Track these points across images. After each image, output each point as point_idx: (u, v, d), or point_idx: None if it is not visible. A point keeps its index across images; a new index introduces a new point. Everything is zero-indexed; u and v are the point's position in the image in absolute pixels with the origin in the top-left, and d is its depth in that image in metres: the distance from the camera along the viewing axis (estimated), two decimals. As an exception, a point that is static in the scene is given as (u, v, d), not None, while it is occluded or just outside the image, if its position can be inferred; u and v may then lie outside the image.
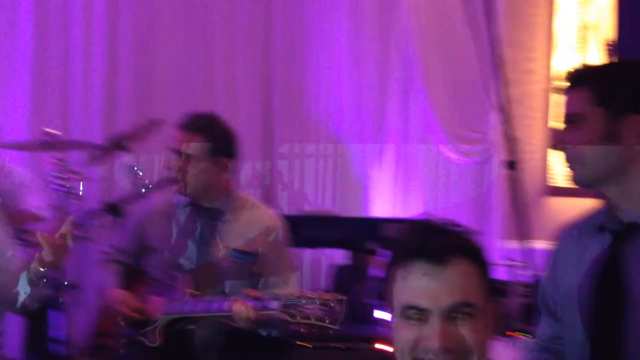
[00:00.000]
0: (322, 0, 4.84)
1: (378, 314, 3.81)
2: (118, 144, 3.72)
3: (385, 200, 4.80)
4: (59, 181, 3.80)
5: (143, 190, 2.97)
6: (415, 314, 1.26)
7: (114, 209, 2.89)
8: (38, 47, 4.58)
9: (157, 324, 2.45)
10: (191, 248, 2.58)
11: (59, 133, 3.90)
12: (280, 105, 4.82)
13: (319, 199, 4.72)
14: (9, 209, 3.67)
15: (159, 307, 2.47)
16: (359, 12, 4.78)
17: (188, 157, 2.54)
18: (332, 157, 4.84)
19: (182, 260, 2.56)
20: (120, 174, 3.71)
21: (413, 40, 4.68)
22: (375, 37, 4.77)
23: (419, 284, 1.26)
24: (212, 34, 4.78)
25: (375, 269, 3.99)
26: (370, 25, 4.77)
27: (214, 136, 2.57)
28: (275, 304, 2.23)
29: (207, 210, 2.60)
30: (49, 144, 3.89)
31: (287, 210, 4.40)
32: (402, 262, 1.29)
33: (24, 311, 2.10)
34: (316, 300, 2.16)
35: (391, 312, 1.30)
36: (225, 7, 4.80)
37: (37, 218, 3.90)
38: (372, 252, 4.00)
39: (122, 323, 2.53)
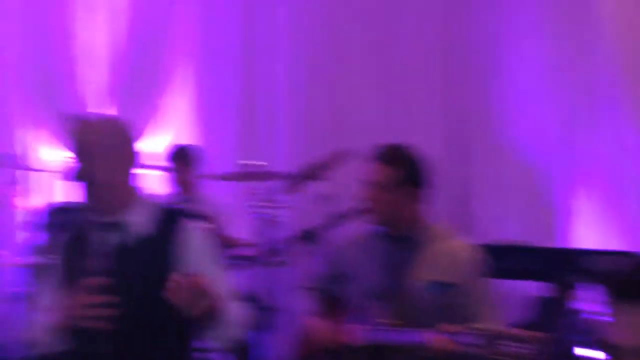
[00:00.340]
0: (519, 24, 4.69)
1: (579, 350, 3.55)
2: (312, 173, 3.82)
3: (585, 230, 4.50)
4: (258, 210, 3.98)
5: (337, 218, 3.01)
6: (632, 352, 1.15)
7: (310, 237, 2.95)
8: (244, 81, 4.87)
9: (353, 351, 2.45)
10: (386, 278, 2.55)
11: (259, 164, 4.10)
12: (475, 131, 4.71)
13: (515, 228, 4.53)
14: (217, 235, 3.90)
15: (356, 335, 2.46)
16: (557, 35, 4.56)
17: (379, 188, 2.53)
18: (528, 184, 4.63)
19: (376, 290, 2.54)
20: (315, 203, 3.80)
21: (615, 64, 4.39)
22: (574, 61, 4.53)
23: (638, 322, 1.16)
24: (404, 64, 4.80)
25: (577, 303, 3.73)
26: (570, 48, 4.54)
27: (406, 166, 2.54)
28: (473, 339, 2.13)
29: (401, 241, 2.56)
30: (249, 175, 4.09)
31: (482, 240, 4.27)
32: (616, 297, 1.21)
33: (226, 347, 2.15)
34: (519, 337, 2.04)
35: (603, 349, 1.20)
36: (416, 36, 4.80)
37: (240, 244, 4.10)
38: (572, 285, 3.75)
39: (319, 351, 2.56)
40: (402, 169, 2.52)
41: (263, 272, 3.91)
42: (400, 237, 2.56)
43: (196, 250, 2.13)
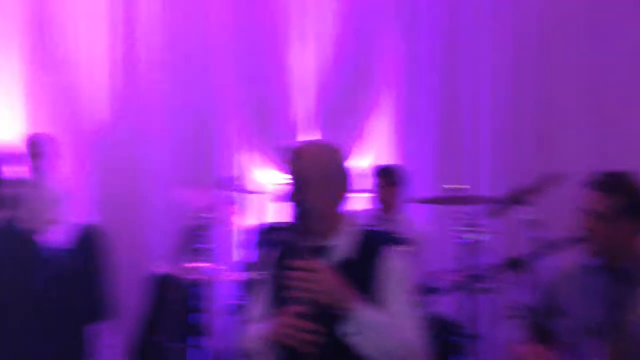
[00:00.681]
0: None
1: None
2: (519, 198, 3.63)
3: None
4: (462, 234, 3.85)
5: (547, 247, 2.83)
6: None
7: (516, 265, 2.79)
8: (446, 103, 4.81)
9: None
10: (603, 313, 2.34)
11: (462, 187, 3.98)
12: None
13: None
14: (417, 259, 3.84)
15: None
16: None
17: (598, 218, 2.33)
18: None
19: (592, 326, 2.34)
20: (522, 229, 3.61)
21: None
22: None
23: None
24: (619, 83, 4.45)
25: None
26: None
27: (627, 196, 2.32)
28: None
29: (621, 275, 2.33)
30: (452, 199, 3.98)
31: None
32: None
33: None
34: None
35: None
36: (634, 53, 4.45)
37: (441, 269, 4.00)
38: None
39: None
40: (623, 199, 2.31)
41: (466, 299, 3.78)
42: (621, 271, 2.34)
43: (391, 274, 2.10)
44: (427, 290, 3.75)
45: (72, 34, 5.11)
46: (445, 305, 3.92)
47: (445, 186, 4.09)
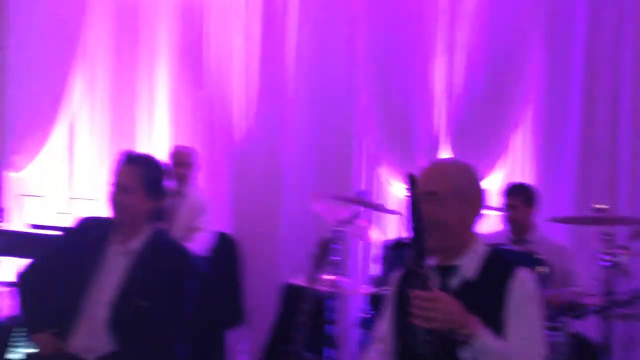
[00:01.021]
0: None
1: None
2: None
3: None
4: (605, 256, 3.65)
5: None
6: None
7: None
8: (585, 124, 4.61)
9: None
10: None
11: (607, 207, 3.78)
12: None
13: None
14: (553, 280, 3.66)
15: None
16: None
17: None
18: None
19: None
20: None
21: None
22: None
23: None
24: None
25: None
26: None
27: None
28: None
29: None
30: (596, 219, 3.78)
31: None
32: None
33: None
34: None
35: None
36: None
37: (582, 292, 3.80)
38: None
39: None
40: None
41: (605, 324, 3.56)
42: None
43: (520, 298, 2.03)
44: (565, 313, 3.58)
45: (216, 50, 5.40)
46: (584, 330, 3.72)
47: (592, 205, 3.89)
